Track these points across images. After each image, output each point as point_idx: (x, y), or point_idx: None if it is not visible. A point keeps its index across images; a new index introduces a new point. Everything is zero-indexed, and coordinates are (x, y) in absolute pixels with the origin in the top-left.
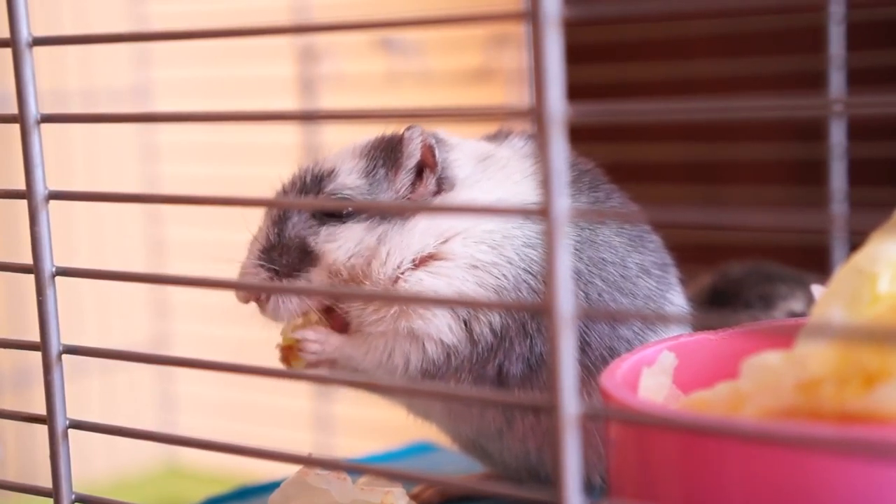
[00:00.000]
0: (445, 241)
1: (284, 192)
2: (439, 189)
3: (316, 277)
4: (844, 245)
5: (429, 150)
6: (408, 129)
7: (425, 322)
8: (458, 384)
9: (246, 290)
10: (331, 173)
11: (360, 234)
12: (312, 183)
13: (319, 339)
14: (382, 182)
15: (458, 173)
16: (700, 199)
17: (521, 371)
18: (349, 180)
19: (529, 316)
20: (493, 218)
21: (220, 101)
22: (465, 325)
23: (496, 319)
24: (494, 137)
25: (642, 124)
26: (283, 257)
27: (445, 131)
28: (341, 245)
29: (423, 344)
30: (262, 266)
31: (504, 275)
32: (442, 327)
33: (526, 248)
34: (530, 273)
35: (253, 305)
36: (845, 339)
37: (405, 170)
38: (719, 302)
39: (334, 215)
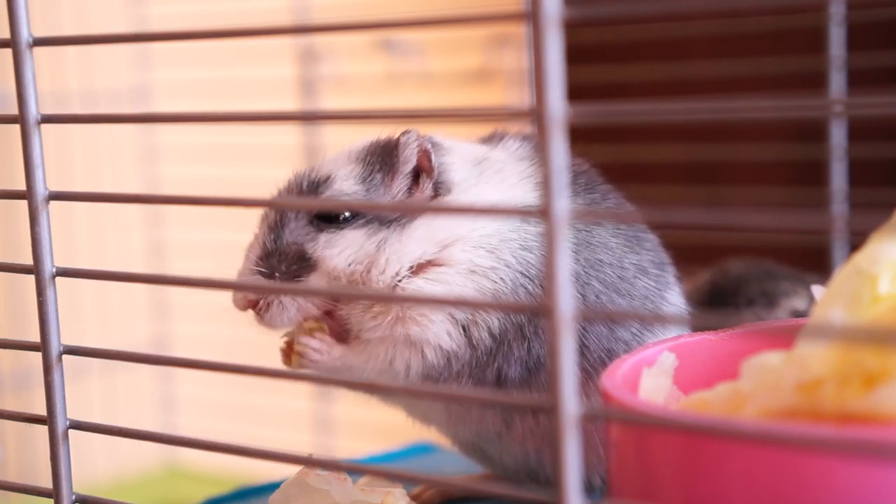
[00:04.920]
0: (444, 248)
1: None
2: (436, 193)
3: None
4: (845, 246)
5: (425, 155)
6: (403, 133)
7: (423, 328)
8: (458, 388)
9: (245, 292)
10: (327, 179)
11: (360, 241)
12: (309, 189)
13: (322, 349)
14: (379, 187)
15: (454, 177)
16: (700, 199)
17: (520, 374)
18: (346, 186)
19: (527, 319)
20: (491, 221)
21: (220, 102)
22: (465, 330)
23: (495, 323)
24: (489, 139)
25: (642, 125)
26: (281, 264)
27: (441, 134)
28: (341, 251)
29: (423, 350)
30: (259, 273)
31: (501, 278)
32: (441, 333)
33: (522, 251)
34: (527, 276)
35: (250, 312)
36: (846, 340)
37: (402, 175)
38: (719, 299)
39: (332, 222)
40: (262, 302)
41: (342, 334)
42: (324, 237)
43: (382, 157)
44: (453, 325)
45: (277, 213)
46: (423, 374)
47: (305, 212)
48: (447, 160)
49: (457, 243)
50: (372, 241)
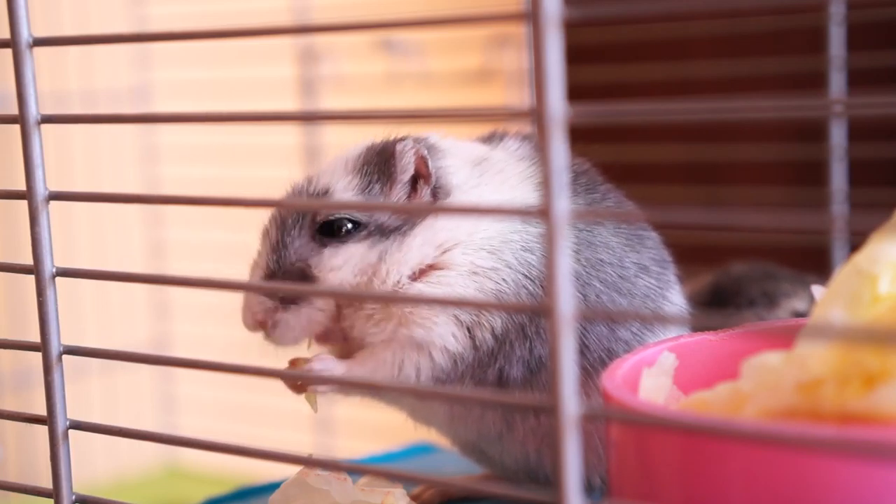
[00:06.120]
0: (445, 251)
1: (280, 214)
2: (435, 198)
3: (319, 301)
4: (845, 246)
5: (422, 162)
6: (399, 141)
7: (427, 330)
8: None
9: (253, 312)
10: (325, 193)
11: (363, 254)
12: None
13: (326, 369)
14: (378, 198)
15: (453, 180)
16: (700, 199)
17: (521, 374)
18: (345, 199)
19: (528, 318)
20: (492, 223)
21: (220, 102)
22: (469, 331)
23: (498, 324)
24: (489, 139)
25: (642, 125)
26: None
27: (438, 135)
28: (345, 266)
29: (430, 353)
30: (263, 295)
31: (504, 279)
32: (446, 335)
33: (524, 251)
34: (529, 277)
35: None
36: (846, 340)
37: (400, 184)
38: (722, 299)
39: (335, 236)
40: (269, 321)
41: (346, 353)
42: (327, 252)
43: (379, 167)
44: (458, 326)
45: (279, 232)
46: (434, 377)
47: (307, 228)
48: (445, 163)
49: (457, 247)
50: (374, 251)
